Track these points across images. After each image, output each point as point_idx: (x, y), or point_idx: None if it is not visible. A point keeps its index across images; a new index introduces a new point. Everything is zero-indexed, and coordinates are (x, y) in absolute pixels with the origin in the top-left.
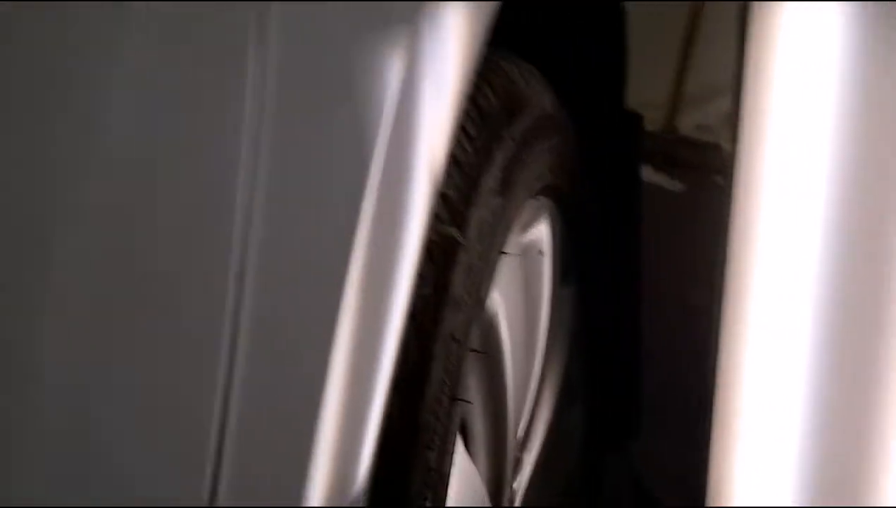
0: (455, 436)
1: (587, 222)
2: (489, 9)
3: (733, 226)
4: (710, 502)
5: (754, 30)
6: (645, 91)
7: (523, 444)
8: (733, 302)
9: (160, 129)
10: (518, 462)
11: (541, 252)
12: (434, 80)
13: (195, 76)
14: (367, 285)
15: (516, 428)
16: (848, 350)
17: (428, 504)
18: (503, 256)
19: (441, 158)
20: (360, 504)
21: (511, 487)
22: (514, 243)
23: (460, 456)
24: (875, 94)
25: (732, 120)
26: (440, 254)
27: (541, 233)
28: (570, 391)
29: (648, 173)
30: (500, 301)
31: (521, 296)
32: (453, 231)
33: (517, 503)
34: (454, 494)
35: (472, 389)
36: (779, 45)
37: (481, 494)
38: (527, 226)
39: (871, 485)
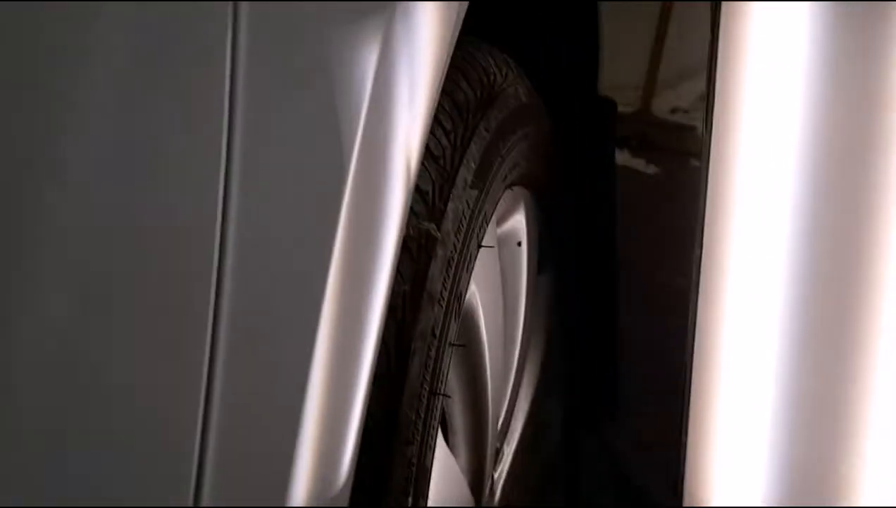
0: (435, 430)
1: (563, 210)
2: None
3: (707, 209)
4: (686, 502)
5: (726, 17)
6: (619, 74)
7: (503, 434)
8: (707, 286)
9: (137, 128)
10: (498, 453)
11: (519, 243)
12: (408, 74)
13: (169, 71)
14: (347, 282)
15: (497, 419)
16: (823, 341)
17: (409, 499)
18: (481, 248)
19: (417, 153)
20: (344, 503)
21: (492, 478)
22: (491, 235)
23: (441, 449)
24: (842, 78)
25: (706, 103)
26: (417, 249)
27: (518, 223)
28: (549, 379)
29: (625, 158)
30: (479, 293)
31: (499, 287)
32: (430, 226)
33: (497, 492)
34: (435, 488)
35: (453, 381)
36: (749, 31)
37: (462, 487)
38: (504, 217)
39: (845, 484)
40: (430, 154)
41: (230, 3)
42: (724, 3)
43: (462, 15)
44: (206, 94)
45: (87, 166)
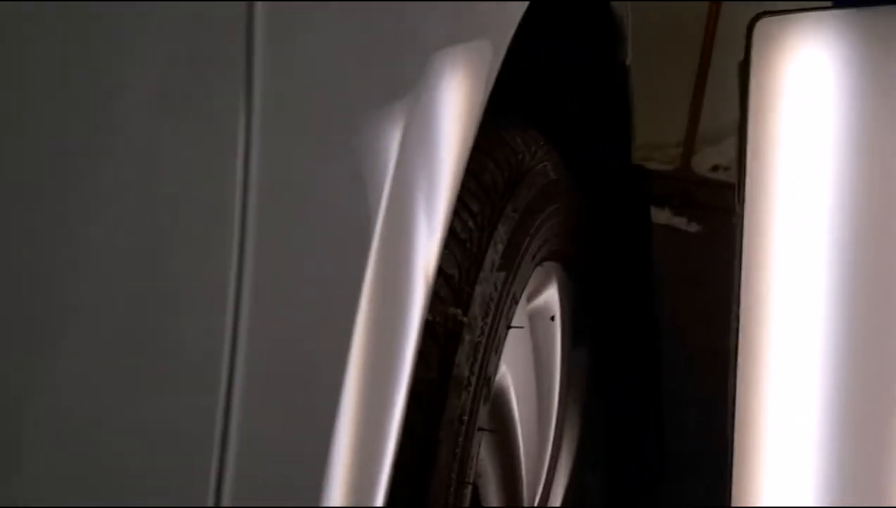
0: None
1: (598, 282)
2: (485, 84)
3: (744, 267)
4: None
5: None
6: (659, 132)
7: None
8: (747, 344)
9: (147, 194)
10: None
11: (552, 318)
12: (430, 158)
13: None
14: (368, 373)
15: (533, 497)
16: (861, 395)
17: None
18: (510, 330)
19: (439, 239)
20: None
21: None
22: (521, 314)
23: None
24: (872, 132)
25: (738, 162)
26: (444, 335)
27: (550, 297)
28: (589, 451)
29: (665, 216)
30: (510, 374)
31: (530, 366)
32: (457, 311)
33: None
34: None
35: (486, 464)
36: (780, 91)
37: None
38: (536, 292)
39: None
40: (456, 237)
41: (243, 75)
42: (752, 61)
43: (485, 98)
44: (219, 170)
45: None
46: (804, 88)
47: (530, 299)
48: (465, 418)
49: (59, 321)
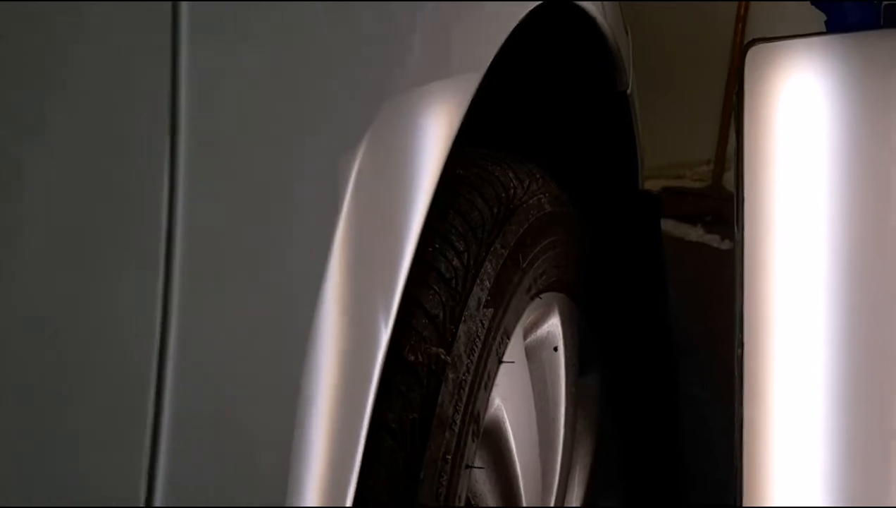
0: None
1: (606, 310)
2: (447, 126)
3: (745, 288)
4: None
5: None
6: (689, 151)
7: None
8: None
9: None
10: None
11: (556, 349)
12: (389, 202)
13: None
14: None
15: None
16: (867, 396)
17: None
18: (502, 365)
19: (400, 286)
20: None
21: None
22: (516, 348)
23: None
24: (865, 149)
25: (736, 186)
26: (427, 374)
27: (553, 328)
28: (603, 479)
29: (698, 234)
30: (506, 408)
31: (529, 398)
32: (439, 351)
33: None
34: None
35: (483, 498)
36: (773, 116)
37: None
38: (537, 323)
39: None
40: (440, 277)
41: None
42: (746, 87)
43: (449, 140)
44: (146, 213)
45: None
46: (797, 113)
47: (531, 330)
48: (449, 457)
49: None
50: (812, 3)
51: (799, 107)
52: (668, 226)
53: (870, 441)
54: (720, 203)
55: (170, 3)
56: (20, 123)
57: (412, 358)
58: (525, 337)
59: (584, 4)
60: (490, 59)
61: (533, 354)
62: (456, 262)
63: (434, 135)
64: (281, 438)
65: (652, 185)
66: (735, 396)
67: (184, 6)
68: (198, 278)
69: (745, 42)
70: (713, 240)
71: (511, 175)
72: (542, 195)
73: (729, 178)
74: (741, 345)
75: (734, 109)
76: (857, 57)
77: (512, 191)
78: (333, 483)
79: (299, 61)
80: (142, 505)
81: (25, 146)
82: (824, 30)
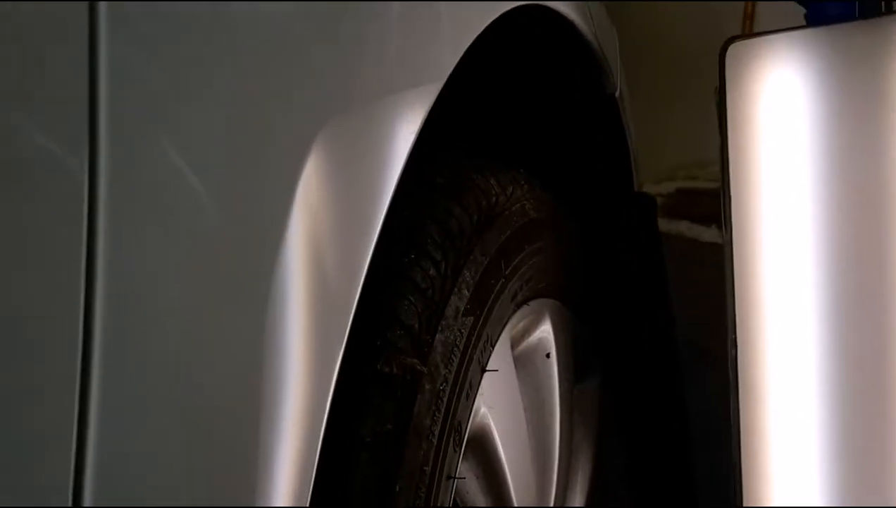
0: None
1: (601, 314)
2: (405, 138)
3: (736, 289)
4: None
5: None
6: (703, 151)
7: None
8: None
9: None
10: None
11: (548, 355)
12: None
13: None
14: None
15: None
16: (863, 396)
17: None
18: (486, 373)
19: (355, 296)
20: None
21: None
22: (501, 356)
23: None
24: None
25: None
26: (402, 386)
27: (545, 334)
28: (606, 484)
29: (712, 235)
30: (493, 416)
31: (518, 406)
32: (414, 362)
33: None
34: None
35: (473, 505)
36: (756, 113)
37: None
38: (527, 331)
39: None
40: (415, 287)
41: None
42: (727, 85)
43: (406, 151)
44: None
45: None
46: (780, 108)
47: (521, 338)
48: (427, 468)
49: None
50: None
51: (781, 102)
52: (682, 227)
53: (867, 439)
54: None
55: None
56: None
57: (387, 370)
58: (514, 345)
59: (559, 7)
60: (452, 67)
61: (524, 361)
62: (433, 271)
63: (392, 143)
64: (239, 447)
65: (666, 187)
66: (731, 396)
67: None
68: (126, 289)
69: (724, 41)
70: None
71: (493, 182)
72: (526, 202)
73: None
74: (734, 346)
75: (717, 108)
76: (838, 49)
77: (494, 198)
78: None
79: (253, 66)
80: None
81: None
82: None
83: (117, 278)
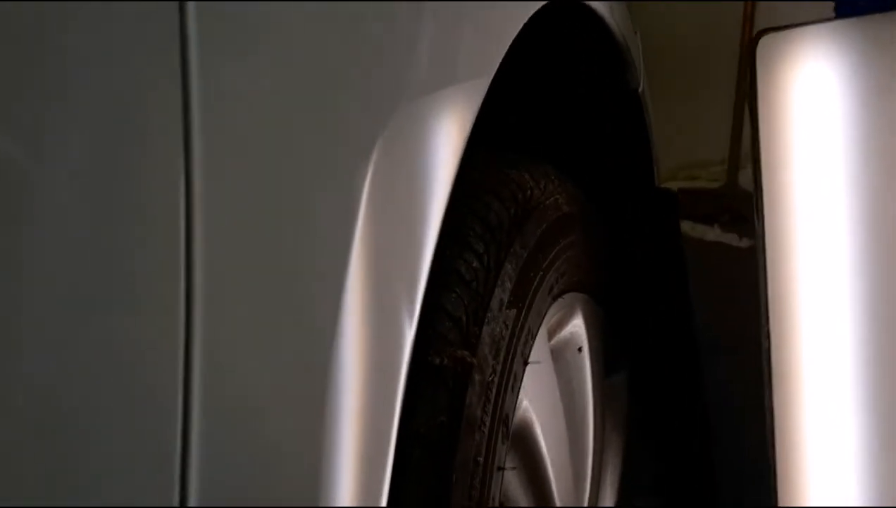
0: None
1: (629, 308)
2: (459, 130)
3: (769, 279)
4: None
5: (762, 93)
6: (703, 150)
7: None
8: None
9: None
10: None
11: (580, 349)
12: (405, 204)
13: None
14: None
15: None
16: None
17: None
18: (528, 365)
19: (421, 287)
20: None
21: None
22: (540, 348)
23: None
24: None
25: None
26: (453, 378)
27: (576, 328)
28: (635, 480)
29: (716, 234)
30: (534, 410)
31: (556, 399)
32: (464, 353)
33: None
34: None
35: (515, 500)
36: (788, 105)
37: None
38: (560, 325)
39: None
40: (461, 279)
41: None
42: (759, 78)
43: (461, 144)
44: (165, 221)
45: None
46: (812, 100)
47: (555, 331)
48: (480, 459)
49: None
50: None
51: (813, 94)
52: (685, 227)
53: None
54: (736, 202)
55: (176, 4)
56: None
57: (437, 361)
58: (549, 338)
59: (592, 3)
60: (499, 61)
61: (558, 355)
62: (476, 264)
63: (447, 140)
64: (309, 446)
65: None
66: (764, 389)
67: (190, 7)
68: (219, 288)
69: (755, 33)
70: (731, 239)
71: (527, 176)
72: (558, 196)
73: (744, 176)
74: (768, 337)
75: (748, 101)
76: (869, 40)
77: (528, 192)
78: (365, 490)
79: (306, 70)
80: (176, 506)
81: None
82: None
83: (214, 279)
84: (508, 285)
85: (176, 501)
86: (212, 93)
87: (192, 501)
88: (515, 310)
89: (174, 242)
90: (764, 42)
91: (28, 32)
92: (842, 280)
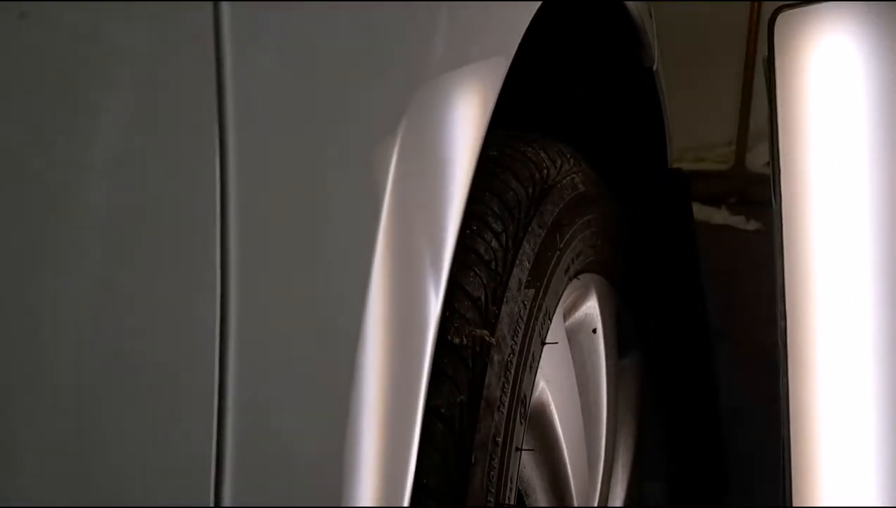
0: None
1: (642, 290)
2: (482, 107)
3: (785, 259)
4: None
5: (780, 71)
6: (711, 133)
7: None
8: (795, 337)
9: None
10: None
11: (594, 330)
12: (427, 187)
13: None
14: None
15: None
16: None
17: None
18: (545, 346)
19: (446, 267)
20: None
21: None
22: (557, 329)
23: None
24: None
25: (771, 154)
26: (472, 357)
27: (591, 310)
28: (646, 462)
29: (723, 216)
30: (550, 390)
31: (572, 380)
32: (483, 333)
33: None
34: None
35: (531, 480)
36: (805, 83)
37: None
38: (575, 306)
39: None
40: (480, 258)
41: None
42: (776, 55)
43: (485, 121)
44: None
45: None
46: (829, 78)
47: (570, 312)
48: (500, 439)
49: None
50: None
51: (831, 71)
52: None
53: None
54: (744, 184)
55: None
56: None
57: (457, 341)
58: (565, 319)
59: None
60: (519, 40)
61: (573, 336)
62: (494, 243)
63: (468, 120)
64: (335, 429)
65: None
66: (780, 370)
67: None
68: (252, 279)
69: (773, 10)
70: (739, 222)
71: (543, 155)
72: (574, 175)
73: (752, 158)
74: (783, 317)
75: (766, 79)
76: (888, 18)
77: (545, 171)
78: (390, 474)
79: (329, 57)
80: (211, 505)
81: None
82: None
83: (248, 270)
84: (527, 264)
85: (211, 501)
86: (245, 86)
87: (226, 501)
88: (534, 290)
89: (209, 238)
90: (782, 18)
91: (65, 33)
92: (860, 260)
